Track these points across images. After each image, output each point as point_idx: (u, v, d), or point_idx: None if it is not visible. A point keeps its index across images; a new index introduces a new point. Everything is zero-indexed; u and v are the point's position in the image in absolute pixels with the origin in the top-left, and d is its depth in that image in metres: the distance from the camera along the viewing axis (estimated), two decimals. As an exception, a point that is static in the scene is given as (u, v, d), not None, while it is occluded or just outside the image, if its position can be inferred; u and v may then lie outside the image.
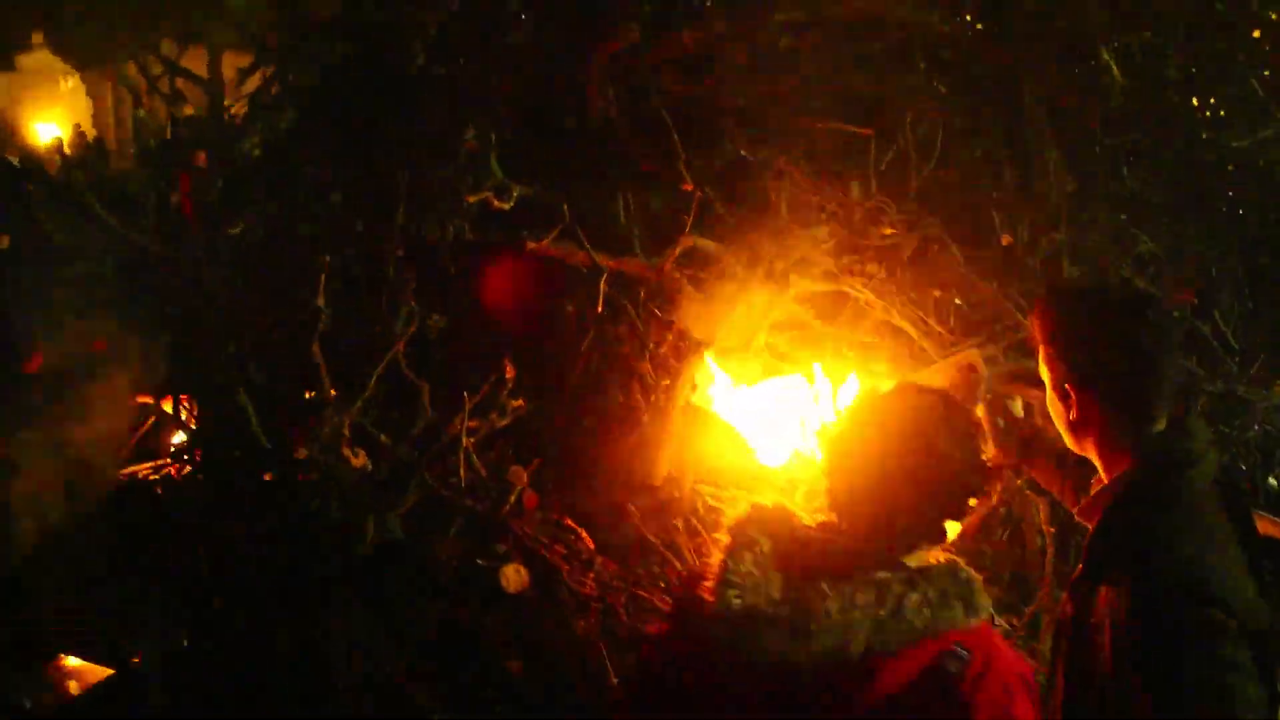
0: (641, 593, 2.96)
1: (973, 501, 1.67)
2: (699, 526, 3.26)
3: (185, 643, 3.32)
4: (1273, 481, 4.08)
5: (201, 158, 10.68)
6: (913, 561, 1.63)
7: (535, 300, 3.60)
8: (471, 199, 3.26)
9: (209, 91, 15.29)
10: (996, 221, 4.16)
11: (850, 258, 3.66)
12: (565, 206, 3.38)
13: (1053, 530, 3.44)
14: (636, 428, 3.44)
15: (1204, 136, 4.68)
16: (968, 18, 3.87)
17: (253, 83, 4.58)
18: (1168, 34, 4.42)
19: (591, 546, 3.20)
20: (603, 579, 3.02)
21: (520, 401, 3.33)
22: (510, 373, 3.28)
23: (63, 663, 3.62)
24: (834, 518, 1.69)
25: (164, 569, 3.40)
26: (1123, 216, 4.51)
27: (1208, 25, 4.48)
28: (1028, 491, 3.56)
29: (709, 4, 3.68)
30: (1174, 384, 1.82)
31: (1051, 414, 1.92)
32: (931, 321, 3.58)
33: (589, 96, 3.64)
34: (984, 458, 1.69)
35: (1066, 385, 1.85)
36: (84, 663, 3.64)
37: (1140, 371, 1.80)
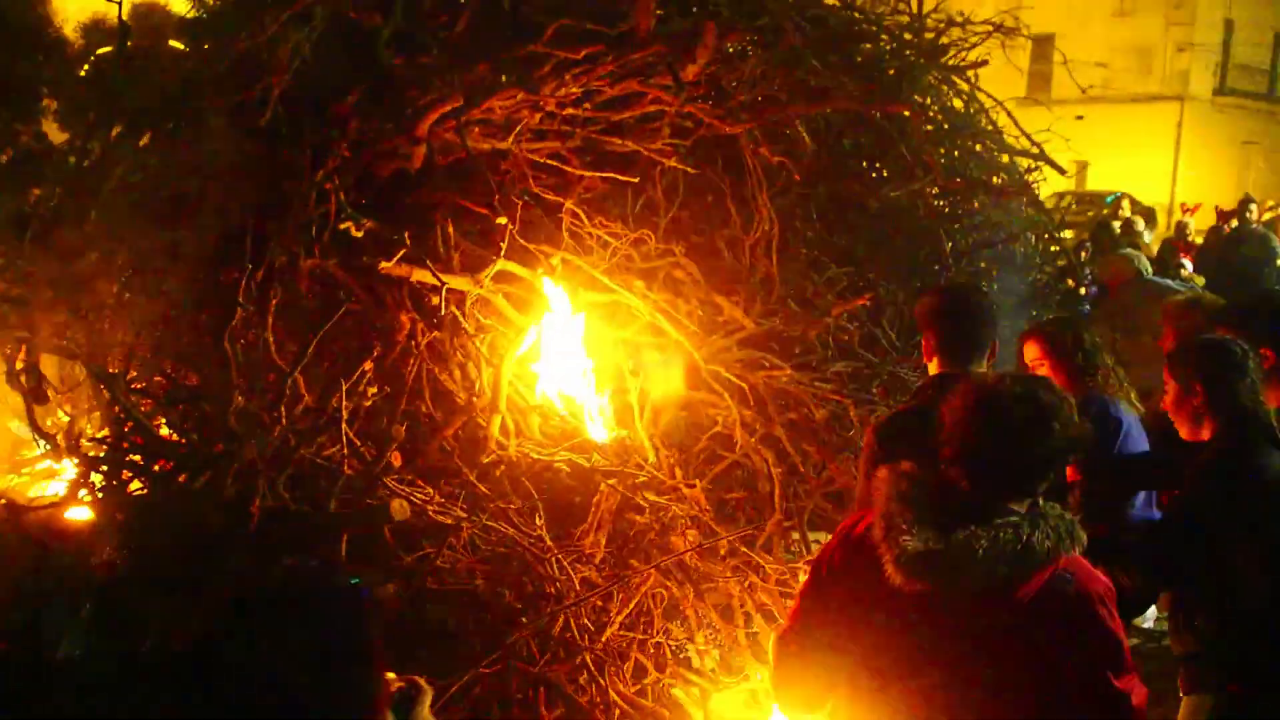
0: (490, 524, 3.92)
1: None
2: (521, 478, 4.26)
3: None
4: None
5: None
6: (1020, 507, 2.15)
7: (379, 313, 4.48)
8: (342, 228, 4.13)
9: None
10: (724, 251, 5.45)
11: (621, 276, 4.79)
12: (406, 235, 4.32)
13: (779, 472, 4.70)
14: (467, 409, 4.40)
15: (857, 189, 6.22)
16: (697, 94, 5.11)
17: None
18: (841, 113, 5.91)
19: (439, 497, 4.12)
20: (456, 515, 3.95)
21: (375, 389, 4.21)
22: (369, 366, 4.15)
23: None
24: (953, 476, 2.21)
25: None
26: (813, 252, 5.94)
27: (870, 106, 5.97)
28: (759, 448, 4.81)
29: (505, 79, 4.71)
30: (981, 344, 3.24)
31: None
32: (683, 321, 4.77)
33: (414, 150, 4.58)
34: None
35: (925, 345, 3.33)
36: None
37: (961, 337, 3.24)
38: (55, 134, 5.49)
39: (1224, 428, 3.18)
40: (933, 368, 3.41)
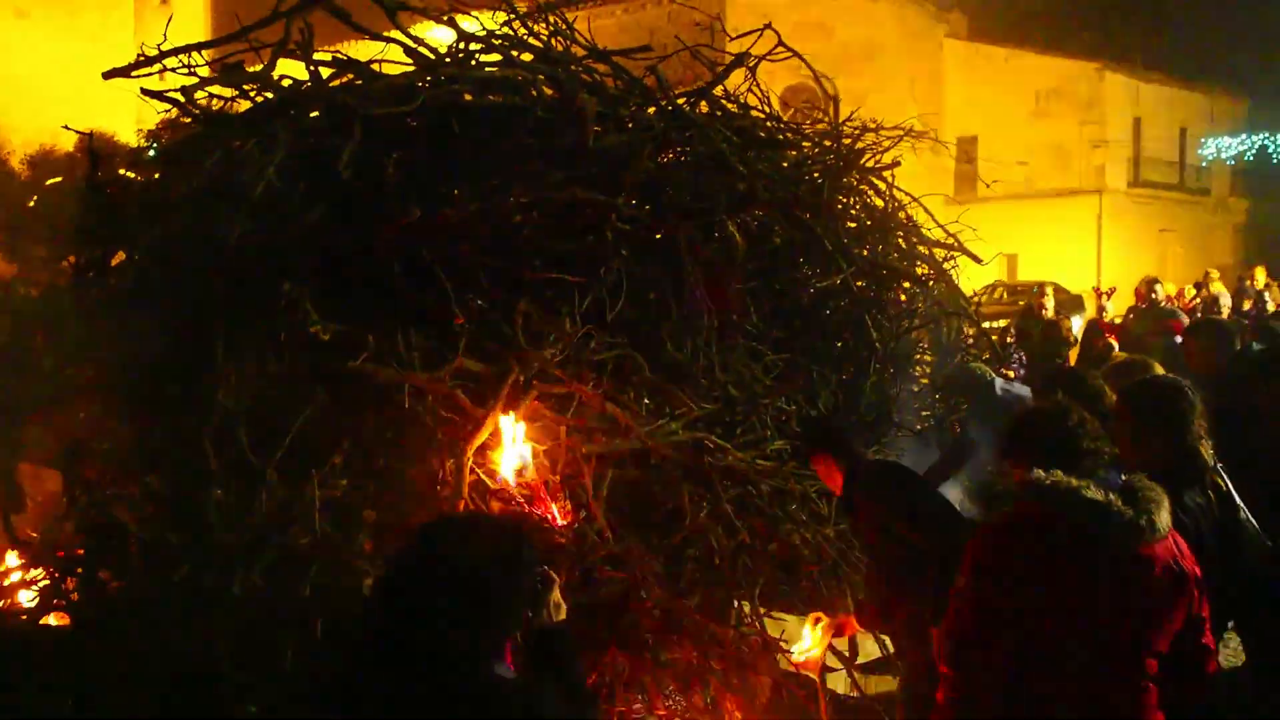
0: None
1: None
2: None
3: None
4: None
5: None
6: None
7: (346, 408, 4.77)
8: (313, 329, 4.45)
9: None
10: (667, 344, 5.83)
11: (572, 368, 5.13)
12: (370, 338, 4.64)
13: (728, 545, 5.01)
14: (432, 500, 4.66)
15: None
16: (636, 201, 5.56)
17: None
18: (770, 213, 6.39)
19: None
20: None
21: (344, 481, 4.47)
22: (338, 460, 4.43)
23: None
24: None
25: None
26: (750, 342, 6.34)
27: (794, 206, 6.45)
28: (709, 523, 5.12)
29: (458, 191, 5.11)
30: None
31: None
32: (633, 409, 5.11)
33: (376, 257, 4.93)
34: None
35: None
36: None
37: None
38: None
39: (1165, 466, 3.48)
40: (837, 485, 4.57)
